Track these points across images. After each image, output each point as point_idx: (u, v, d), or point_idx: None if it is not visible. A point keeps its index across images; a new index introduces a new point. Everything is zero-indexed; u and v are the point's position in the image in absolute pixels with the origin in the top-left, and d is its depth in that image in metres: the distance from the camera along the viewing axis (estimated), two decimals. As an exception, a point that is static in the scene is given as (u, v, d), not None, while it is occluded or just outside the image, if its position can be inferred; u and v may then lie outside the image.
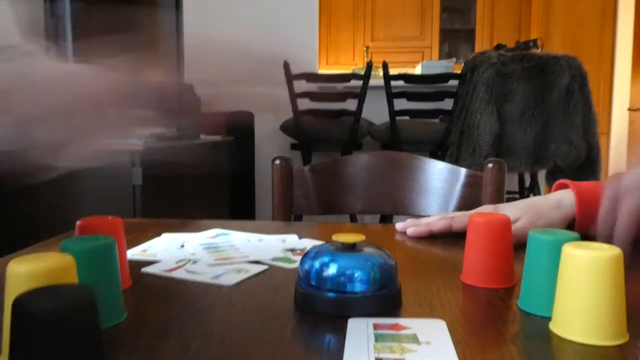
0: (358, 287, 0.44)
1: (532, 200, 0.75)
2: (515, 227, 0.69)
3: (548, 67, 2.51)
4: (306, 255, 0.48)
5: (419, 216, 1.03)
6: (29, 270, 0.35)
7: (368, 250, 0.47)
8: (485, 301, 0.49)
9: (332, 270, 0.45)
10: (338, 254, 0.46)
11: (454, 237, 0.73)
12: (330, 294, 0.44)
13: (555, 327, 0.42)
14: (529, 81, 2.50)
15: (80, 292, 0.30)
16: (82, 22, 1.54)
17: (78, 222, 0.51)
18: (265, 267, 0.59)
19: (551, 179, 2.73)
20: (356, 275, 0.45)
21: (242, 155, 3.10)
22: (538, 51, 2.94)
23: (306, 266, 0.47)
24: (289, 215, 1.13)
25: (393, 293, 0.46)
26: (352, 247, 0.47)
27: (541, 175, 2.97)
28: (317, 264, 0.46)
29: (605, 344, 0.39)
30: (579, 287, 0.40)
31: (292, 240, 0.72)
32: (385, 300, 0.45)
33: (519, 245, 0.68)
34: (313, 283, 0.46)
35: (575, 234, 0.47)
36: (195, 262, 0.61)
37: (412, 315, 0.45)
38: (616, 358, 0.38)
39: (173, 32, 2.21)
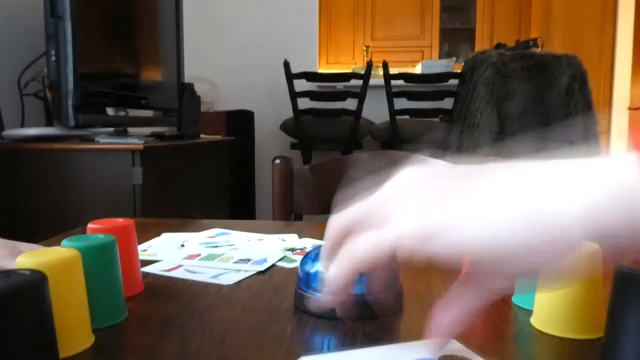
0: (359, 289, 0.44)
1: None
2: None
3: (548, 66, 2.51)
4: (306, 256, 0.47)
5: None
6: (36, 264, 0.36)
7: None
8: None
9: (332, 272, 0.44)
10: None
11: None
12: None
13: (536, 321, 0.43)
14: (529, 80, 2.50)
15: (26, 277, 0.33)
16: (82, 22, 1.54)
17: (89, 225, 0.50)
18: (265, 266, 0.59)
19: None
20: (357, 277, 0.44)
21: (242, 155, 3.10)
22: (538, 50, 2.94)
23: (306, 268, 0.46)
24: (289, 214, 1.13)
25: (395, 296, 0.46)
26: None
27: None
28: (317, 266, 0.45)
29: (584, 338, 0.40)
30: None
31: (292, 239, 0.72)
32: (386, 302, 0.45)
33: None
34: (313, 285, 0.45)
35: None
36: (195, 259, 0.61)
37: (412, 315, 0.45)
38: (593, 351, 0.39)
39: (173, 32, 2.21)
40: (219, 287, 0.52)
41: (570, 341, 0.40)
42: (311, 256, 0.47)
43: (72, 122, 1.55)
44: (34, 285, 0.33)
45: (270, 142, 3.47)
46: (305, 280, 0.46)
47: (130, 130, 1.92)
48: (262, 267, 0.58)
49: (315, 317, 0.44)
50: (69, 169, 1.56)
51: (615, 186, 0.28)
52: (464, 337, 0.40)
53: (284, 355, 0.37)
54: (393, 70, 2.74)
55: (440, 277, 0.56)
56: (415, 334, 0.41)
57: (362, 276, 0.44)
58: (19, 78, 1.85)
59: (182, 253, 0.65)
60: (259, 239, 0.72)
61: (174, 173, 1.82)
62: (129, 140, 1.63)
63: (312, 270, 0.45)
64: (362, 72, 2.80)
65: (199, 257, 0.63)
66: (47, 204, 1.56)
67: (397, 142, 2.76)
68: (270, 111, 3.47)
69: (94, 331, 0.40)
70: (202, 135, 2.22)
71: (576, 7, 4.77)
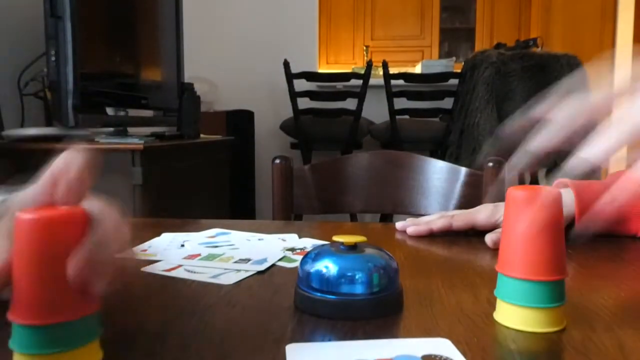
0: (359, 289, 0.44)
1: (532, 199, 0.75)
2: (515, 226, 0.69)
3: (548, 66, 2.51)
4: (306, 256, 0.47)
5: (419, 215, 1.03)
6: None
7: (369, 251, 0.47)
8: (485, 300, 0.49)
9: (332, 272, 0.44)
10: (339, 256, 0.45)
11: (453, 236, 0.73)
12: (331, 297, 0.44)
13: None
14: (529, 80, 2.50)
15: None
16: (82, 22, 1.54)
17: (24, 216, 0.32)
18: (265, 266, 0.59)
19: (551, 177, 2.73)
20: (357, 277, 0.44)
21: (242, 155, 3.10)
22: (538, 50, 2.94)
23: (306, 267, 0.46)
24: (289, 214, 1.13)
25: (395, 295, 0.46)
26: (353, 248, 0.46)
27: (541, 174, 2.97)
28: (317, 266, 0.45)
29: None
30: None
31: (292, 239, 0.72)
32: (386, 302, 0.45)
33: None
34: (313, 285, 0.45)
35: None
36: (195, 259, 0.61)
37: (412, 315, 0.45)
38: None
39: (173, 32, 2.21)
40: (219, 287, 0.52)
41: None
42: (311, 256, 0.47)
43: (72, 122, 1.55)
44: None
45: (270, 142, 3.47)
46: (305, 280, 0.46)
47: (130, 130, 1.92)
48: (262, 267, 0.58)
49: (316, 317, 0.44)
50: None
51: None
52: (466, 340, 0.40)
53: (284, 356, 0.37)
54: (393, 70, 2.74)
55: (440, 276, 0.56)
56: (415, 334, 0.41)
57: (364, 278, 0.44)
58: (19, 78, 1.85)
59: (182, 253, 0.65)
60: (259, 239, 0.72)
61: (174, 173, 1.82)
62: (129, 140, 1.63)
63: (313, 270, 0.45)
64: (362, 71, 2.80)
65: (199, 257, 0.63)
66: (47, 204, 1.56)
67: (397, 141, 2.76)
68: (270, 111, 3.47)
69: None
70: (202, 135, 2.22)
71: (576, 7, 4.77)
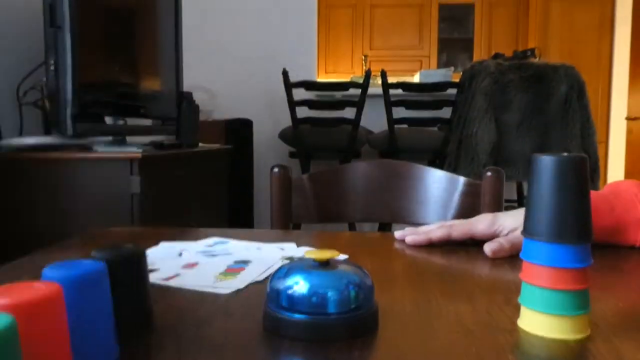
0: (331, 308, 0.41)
1: (531, 208, 0.75)
2: (513, 235, 0.69)
3: (546, 76, 2.52)
4: (275, 274, 0.45)
5: (417, 225, 1.03)
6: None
7: (342, 267, 0.44)
8: (484, 310, 0.49)
9: (302, 289, 0.42)
10: (309, 272, 0.43)
11: (452, 246, 0.73)
12: (299, 316, 0.41)
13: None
14: (526, 90, 2.51)
15: (130, 250, 0.44)
16: (82, 32, 1.54)
17: None
18: (263, 275, 0.58)
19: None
20: (329, 295, 0.41)
21: (241, 164, 3.11)
22: (536, 60, 2.96)
23: (274, 286, 0.43)
24: (287, 223, 1.13)
25: (369, 314, 0.43)
26: (325, 265, 0.43)
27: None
28: (286, 283, 0.43)
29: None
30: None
31: (290, 248, 0.72)
32: (360, 322, 0.42)
33: (517, 255, 0.68)
34: (283, 304, 0.42)
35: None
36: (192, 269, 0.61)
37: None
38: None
39: (172, 41, 2.22)
40: (217, 296, 0.52)
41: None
42: (280, 274, 0.44)
43: (70, 131, 1.55)
44: (138, 255, 0.44)
45: (268, 151, 3.47)
46: (275, 300, 0.43)
47: (129, 139, 1.92)
48: (260, 276, 0.58)
49: (287, 339, 0.42)
50: (67, 178, 1.56)
51: None
52: (465, 350, 0.40)
53: (281, 366, 0.37)
54: (391, 80, 2.75)
55: (439, 286, 0.55)
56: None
57: (335, 295, 0.42)
58: (18, 87, 1.86)
59: (180, 262, 0.65)
60: (257, 248, 0.72)
61: (172, 182, 1.82)
62: (127, 149, 1.63)
63: (281, 289, 0.43)
64: (361, 81, 2.81)
65: (197, 266, 0.63)
66: (45, 213, 1.56)
67: (395, 151, 2.76)
68: (269, 120, 3.47)
69: None
70: (200, 144, 2.22)
71: (573, 17, 4.80)
